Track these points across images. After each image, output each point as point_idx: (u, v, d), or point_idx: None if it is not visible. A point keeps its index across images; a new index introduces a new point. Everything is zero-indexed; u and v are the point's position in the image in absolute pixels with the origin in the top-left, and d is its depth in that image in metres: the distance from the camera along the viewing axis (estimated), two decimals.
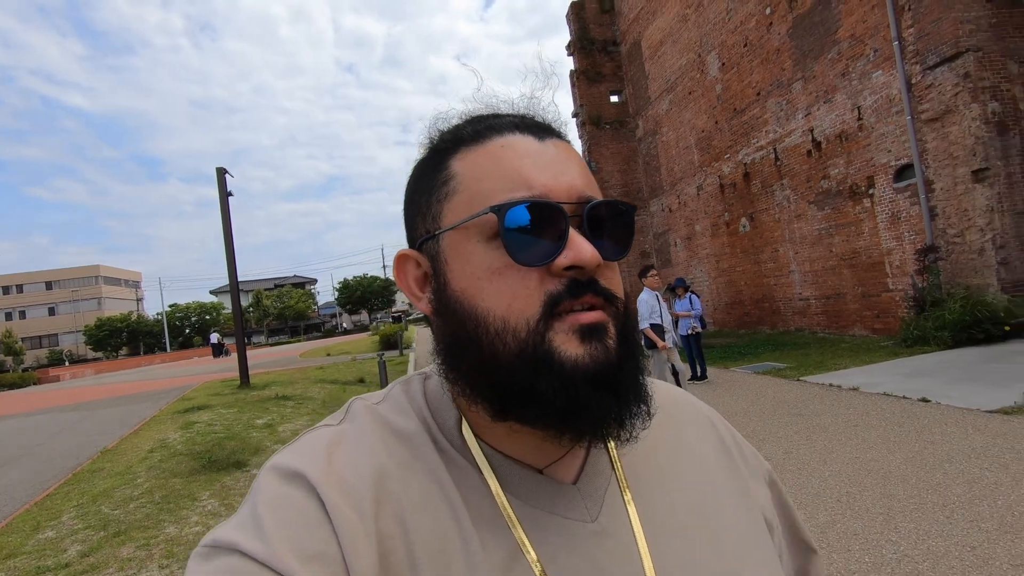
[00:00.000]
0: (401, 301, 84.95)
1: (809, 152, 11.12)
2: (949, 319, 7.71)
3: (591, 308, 0.42)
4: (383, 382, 9.36)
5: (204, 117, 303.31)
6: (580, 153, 0.48)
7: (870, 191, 9.78)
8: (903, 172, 9.14)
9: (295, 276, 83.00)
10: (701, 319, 8.54)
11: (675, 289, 8.64)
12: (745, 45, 12.68)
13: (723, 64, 13.58)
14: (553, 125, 0.49)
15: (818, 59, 10.58)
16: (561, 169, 0.44)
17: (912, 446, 4.26)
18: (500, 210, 0.41)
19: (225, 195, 12.09)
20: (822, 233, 11.08)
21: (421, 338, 31.08)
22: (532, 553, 0.42)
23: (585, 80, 18.79)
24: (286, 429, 7.34)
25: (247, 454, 5.94)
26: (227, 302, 63.49)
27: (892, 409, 5.35)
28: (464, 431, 0.47)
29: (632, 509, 0.47)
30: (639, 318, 4.94)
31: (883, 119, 9.33)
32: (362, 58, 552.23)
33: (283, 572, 0.38)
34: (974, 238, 8.15)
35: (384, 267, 71.76)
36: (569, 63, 19.40)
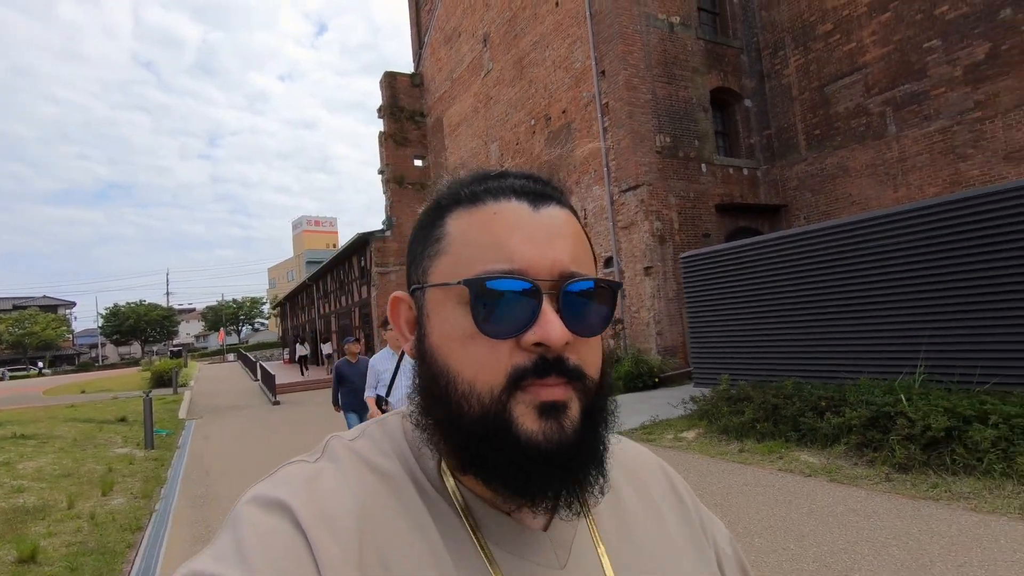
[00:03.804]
0: (186, 334, 75.78)
1: None
2: (623, 371, 10.70)
3: (555, 386, 0.43)
4: (148, 423, 9.38)
5: None
6: (579, 224, 0.49)
7: None
8: (608, 262, 12.38)
9: (45, 297, 69.31)
10: None
11: None
12: (517, 144, 15.66)
13: (501, 155, 16.45)
14: (554, 191, 0.49)
15: (563, 167, 13.73)
16: (548, 242, 0.45)
17: None
18: (472, 284, 0.43)
19: None
20: None
21: (203, 375, 28.84)
22: None
23: (392, 143, 20.61)
24: (27, 467, 7.27)
25: None
26: None
27: None
28: (443, 474, 0.47)
29: (605, 560, 0.49)
30: (367, 385, 4.51)
31: (598, 221, 12.57)
32: (168, 58, 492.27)
33: None
34: (644, 315, 11.46)
35: (168, 294, 63.87)
36: (380, 124, 21.11)
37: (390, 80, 21.00)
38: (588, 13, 12.34)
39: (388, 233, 19.82)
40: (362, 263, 21.50)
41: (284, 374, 22.12)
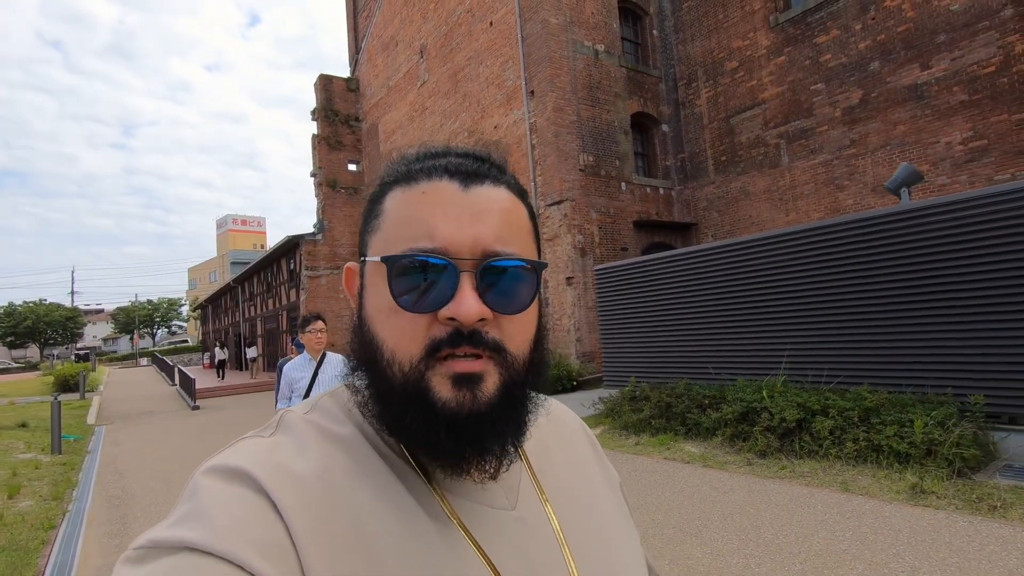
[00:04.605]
0: (92, 336, 70.43)
1: None
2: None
3: (470, 357, 0.45)
4: (55, 427, 9.04)
5: None
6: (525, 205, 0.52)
7: None
8: None
9: None
10: None
11: None
12: None
13: None
14: (491, 169, 0.51)
15: None
16: (472, 221, 0.46)
17: None
18: (388, 260, 0.45)
19: None
20: None
21: (114, 380, 27.17)
22: (475, 542, 0.47)
23: (326, 146, 20.51)
24: None
25: None
26: None
27: None
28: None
29: (545, 500, 0.54)
30: (278, 396, 4.00)
31: None
32: (78, 38, 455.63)
33: (238, 561, 0.37)
34: (566, 323, 12.17)
35: (73, 293, 59.22)
36: (314, 127, 20.93)
37: (325, 83, 20.90)
38: (520, 36, 13.02)
39: (319, 237, 19.67)
40: (291, 266, 21.16)
41: (205, 379, 21.33)
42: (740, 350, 6.91)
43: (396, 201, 0.49)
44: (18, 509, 5.57)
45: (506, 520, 0.50)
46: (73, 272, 63.69)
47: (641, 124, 14.19)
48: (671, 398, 6.79)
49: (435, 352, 0.45)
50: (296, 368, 3.89)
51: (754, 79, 12.69)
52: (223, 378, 21.74)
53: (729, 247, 7.18)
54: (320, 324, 3.92)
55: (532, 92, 12.81)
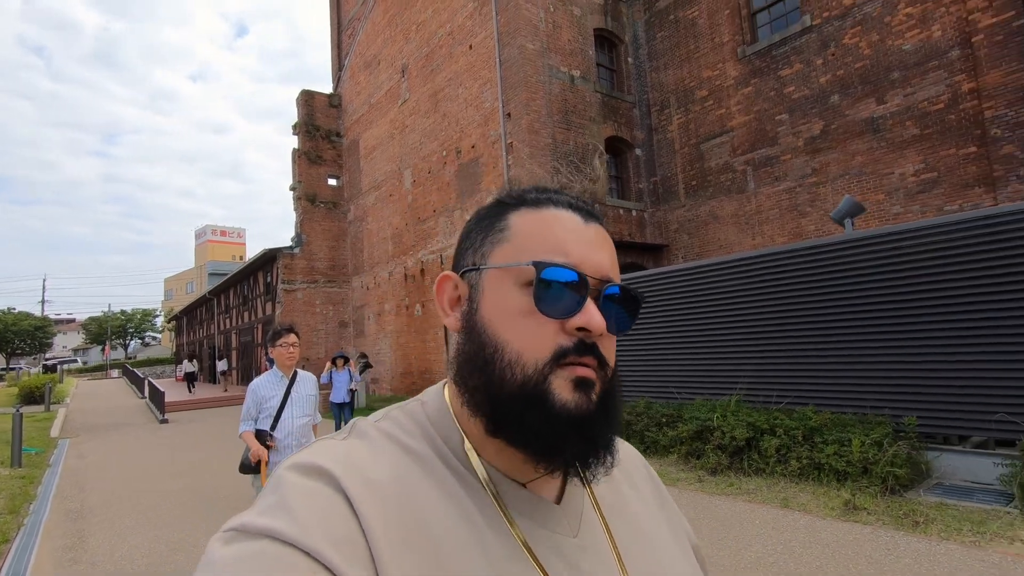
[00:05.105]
0: (62, 347, 68.61)
1: None
2: None
3: (588, 367, 0.50)
4: (16, 439, 8.91)
5: None
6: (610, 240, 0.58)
7: None
8: None
9: None
10: (352, 391, 10.06)
11: (335, 360, 10.56)
12: (429, 172, 16.34)
13: (414, 181, 17.06)
14: (597, 212, 0.57)
15: (471, 197, 14.55)
16: (595, 249, 0.53)
17: None
18: (539, 265, 0.49)
19: None
20: None
21: (82, 392, 26.56)
22: (536, 560, 0.49)
23: (306, 160, 20.60)
24: None
25: None
26: None
27: None
28: (467, 449, 0.53)
29: (608, 531, 0.55)
30: (243, 416, 3.57)
31: None
32: (61, 45, 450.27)
33: (315, 553, 0.41)
34: None
35: (43, 302, 57.82)
36: (295, 141, 21.03)
37: (307, 98, 21.07)
38: (498, 60, 13.37)
39: (297, 250, 19.67)
40: (268, 279, 21.08)
41: (175, 392, 21.01)
42: (699, 371, 7.15)
43: (525, 220, 0.54)
44: None
45: (567, 545, 0.52)
46: (44, 280, 62.15)
47: (615, 148, 14.58)
48: (631, 416, 6.98)
49: (561, 359, 0.49)
50: (265, 386, 3.54)
51: (723, 107, 13.18)
52: (193, 391, 21.43)
53: (687, 271, 7.45)
54: (292, 338, 3.59)
55: (508, 114, 13.12)
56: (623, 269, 13.25)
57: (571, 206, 0.55)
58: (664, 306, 7.75)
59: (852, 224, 6.91)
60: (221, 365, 22.46)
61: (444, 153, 15.63)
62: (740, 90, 12.81)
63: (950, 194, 9.72)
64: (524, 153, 12.64)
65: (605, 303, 0.52)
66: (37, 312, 56.84)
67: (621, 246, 13.67)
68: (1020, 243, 4.61)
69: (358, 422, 0.55)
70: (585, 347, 0.50)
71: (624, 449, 0.68)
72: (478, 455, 0.53)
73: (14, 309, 53.48)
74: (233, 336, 25.57)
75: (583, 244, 0.52)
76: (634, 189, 14.73)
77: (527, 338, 0.49)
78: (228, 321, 26.56)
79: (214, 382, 25.53)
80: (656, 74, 14.71)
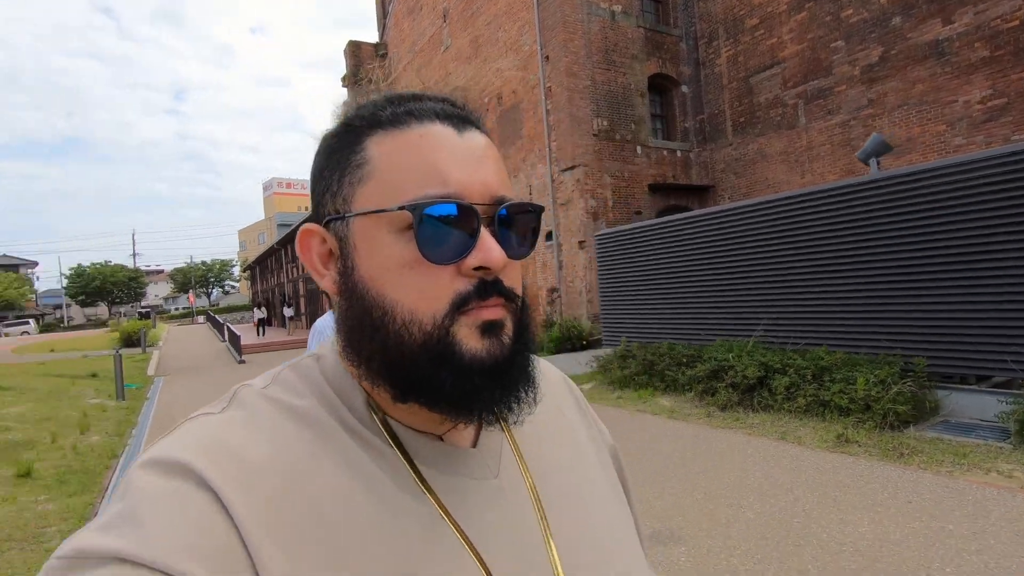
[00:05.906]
0: (154, 295, 75.06)
1: None
2: (554, 336, 11.94)
3: (494, 306, 0.43)
4: (118, 377, 10.31)
5: None
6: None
7: None
8: (548, 236, 13.48)
9: (5, 256, 67.74)
10: None
11: None
12: None
13: None
14: (472, 115, 0.48)
15: (513, 145, 14.65)
16: (477, 165, 0.44)
17: None
18: (415, 207, 0.41)
19: None
20: None
21: (172, 337, 29.45)
22: (450, 517, 0.44)
23: None
24: (10, 412, 8.20)
25: None
26: None
27: None
28: (371, 409, 0.47)
29: (524, 467, 0.51)
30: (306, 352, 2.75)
31: (541, 198, 13.59)
32: (127, 3, 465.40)
33: (179, 574, 0.34)
34: (578, 285, 12.66)
35: (134, 255, 63.16)
36: (344, 93, 21.52)
37: (354, 49, 21.33)
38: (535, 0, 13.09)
39: None
40: None
41: (249, 336, 22.98)
42: (721, 313, 7.30)
43: (386, 146, 0.44)
44: (88, 442, 6.66)
45: (485, 489, 0.48)
46: (133, 235, 67.76)
47: (660, 85, 14.13)
48: (654, 357, 7.30)
49: (462, 306, 0.43)
50: (328, 324, 4.00)
51: (774, 36, 12.43)
52: (263, 335, 23.33)
53: (714, 214, 7.48)
54: None
55: (547, 57, 12.94)
56: (664, 212, 13.14)
57: (439, 116, 0.46)
58: (689, 251, 7.84)
59: (878, 164, 6.67)
60: (288, 311, 24.18)
61: (486, 100, 15.65)
62: (793, 16, 12.00)
63: (1020, 122, 8.97)
64: (562, 97, 12.53)
65: (501, 226, 0.45)
66: (130, 264, 62.30)
67: (663, 188, 13.50)
68: None
69: (239, 390, 0.47)
70: (487, 286, 0.43)
71: (544, 370, 0.62)
72: (385, 413, 0.47)
73: (110, 262, 58.81)
74: (300, 284, 27.30)
75: (462, 163, 0.44)
76: (679, 129, 14.32)
77: (418, 292, 0.42)
78: (295, 270, 28.29)
79: (284, 327, 27.58)
80: (703, 3, 13.93)
